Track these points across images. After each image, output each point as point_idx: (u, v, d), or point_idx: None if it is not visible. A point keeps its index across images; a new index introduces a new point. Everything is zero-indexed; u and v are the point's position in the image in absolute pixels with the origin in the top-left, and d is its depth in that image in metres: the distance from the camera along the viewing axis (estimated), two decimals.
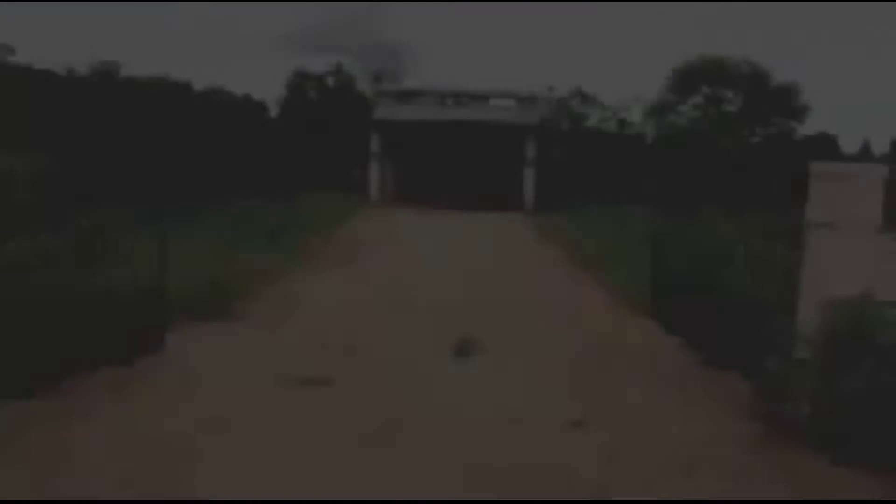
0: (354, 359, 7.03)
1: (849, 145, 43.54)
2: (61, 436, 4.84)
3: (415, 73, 42.41)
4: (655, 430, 5.26)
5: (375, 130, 28.16)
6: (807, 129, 38.74)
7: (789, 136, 38.38)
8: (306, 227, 17.50)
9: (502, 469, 4.56)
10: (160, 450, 4.66)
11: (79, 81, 28.30)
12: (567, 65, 75.54)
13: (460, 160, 35.39)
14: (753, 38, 62.09)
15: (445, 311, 9.43)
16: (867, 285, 4.95)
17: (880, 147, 44.41)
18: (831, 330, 4.94)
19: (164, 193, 8.27)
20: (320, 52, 65.87)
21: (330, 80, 35.90)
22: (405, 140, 29.54)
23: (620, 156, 33.47)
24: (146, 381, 6.14)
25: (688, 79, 38.40)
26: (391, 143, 28.85)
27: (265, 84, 69.69)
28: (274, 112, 35.59)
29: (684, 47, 72.87)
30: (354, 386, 6.11)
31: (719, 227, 7.28)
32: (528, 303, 10.19)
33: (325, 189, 28.53)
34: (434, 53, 66.98)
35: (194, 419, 5.19)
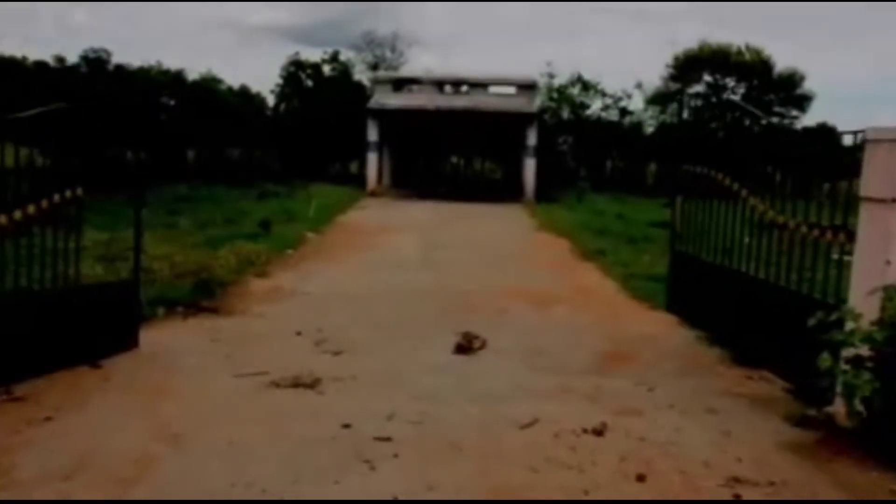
0: (348, 359, 6.37)
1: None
2: None
3: (413, 61, 41.42)
4: (688, 441, 4.59)
5: (372, 119, 27.39)
6: (807, 118, 37.95)
7: (790, 125, 37.59)
8: (300, 218, 16.85)
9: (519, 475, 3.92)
10: (103, 468, 3.99)
11: (69, 71, 27.54)
12: (568, 52, 74.71)
13: (459, 149, 34.68)
14: (753, 22, 61.09)
15: (448, 309, 8.77)
16: None
17: None
18: (893, 321, 4.27)
19: (144, 183, 7.58)
20: (316, 44, 64.70)
21: (326, 69, 35.08)
22: (403, 129, 28.80)
23: (622, 145, 32.77)
24: (110, 383, 5.48)
25: (689, 67, 37.63)
26: (389, 131, 28.09)
27: (260, 77, 68.79)
28: (270, 102, 34.82)
29: (686, 33, 71.81)
30: (347, 390, 5.45)
31: (754, 207, 6.57)
32: (532, 297, 9.52)
33: (322, 179, 27.90)
34: (433, 43, 66.01)
35: (151, 431, 4.54)
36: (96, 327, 6.14)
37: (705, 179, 7.26)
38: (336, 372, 5.79)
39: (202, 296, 8.68)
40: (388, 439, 4.39)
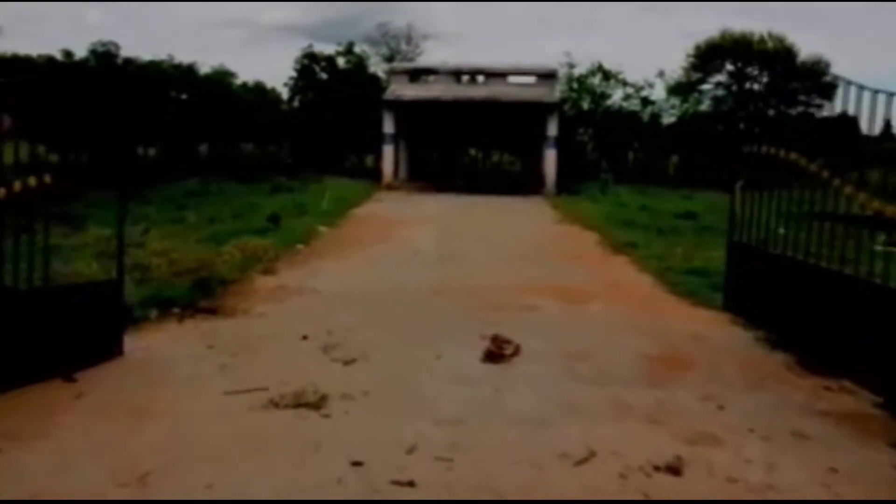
0: (360, 370, 5.50)
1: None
2: None
3: (428, 54, 40.38)
4: (790, 483, 3.66)
5: (388, 110, 26.48)
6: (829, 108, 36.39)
7: (812, 115, 36.18)
8: (312, 212, 16.06)
9: None
10: None
11: (77, 65, 26.88)
12: (577, 45, 73.31)
13: (477, 141, 33.64)
14: (763, 15, 59.37)
15: (473, 308, 7.90)
16: None
17: None
18: None
19: (128, 177, 6.82)
20: (328, 42, 63.53)
21: (341, 61, 34.20)
22: (419, 120, 27.85)
23: (643, 135, 31.75)
24: (82, 402, 4.64)
25: (711, 56, 36.44)
26: (405, 123, 27.18)
27: (272, 76, 68.14)
28: (284, 96, 33.95)
29: (697, 24, 69.82)
30: (358, 411, 4.57)
31: (837, 192, 5.62)
32: (564, 293, 8.62)
33: (336, 173, 27.13)
34: (448, 35, 64.92)
35: (115, 468, 3.67)
36: (73, 334, 5.33)
37: (776, 162, 6.28)
38: (346, 386, 4.90)
39: (201, 295, 7.88)
40: (409, 484, 3.47)
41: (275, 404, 4.50)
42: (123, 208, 6.03)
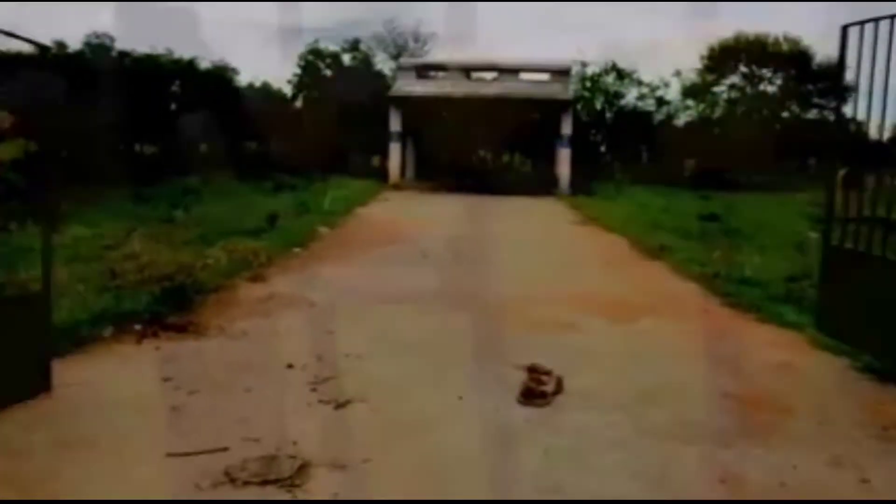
0: (358, 418, 4.12)
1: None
2: None
3: (436, 52, 39.15)
4: None
5: (395, 107, 25.14)
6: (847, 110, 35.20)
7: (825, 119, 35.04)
8: (314, 212, 14.77)
9: None
10: None
11: (70, 58, 25.64)
12: (594, 39, 71.73)
13: (487, 139, 32.20)
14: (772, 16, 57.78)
15: (496, 325, 6.53)
16: None
17: None
18: None
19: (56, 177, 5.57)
20: (339, 43, 62.00)
21: (346, 58, 32.99)
22: (427, 118, 26.54)
23: (658, 135, 30.61)
24: None
25: (725, 57, 35.33)
26: (412, 121, 25.86)
27: (279, 78, 66.88)
28: (288, 93, 32.68)
29: (716, 22, 67.86)
30: (350, 495, 3.16)
31: None
32: (604, 307, 7.26)
33: (342, 172, 25.94)
34: (456, 35, 63.44)
35: None
36: None
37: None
38: (336, 450, 3.47)
39: (171, 307, 6.53)
40: None
41: (231, 479, 3.09)
42: (52, 205, 4.70)
